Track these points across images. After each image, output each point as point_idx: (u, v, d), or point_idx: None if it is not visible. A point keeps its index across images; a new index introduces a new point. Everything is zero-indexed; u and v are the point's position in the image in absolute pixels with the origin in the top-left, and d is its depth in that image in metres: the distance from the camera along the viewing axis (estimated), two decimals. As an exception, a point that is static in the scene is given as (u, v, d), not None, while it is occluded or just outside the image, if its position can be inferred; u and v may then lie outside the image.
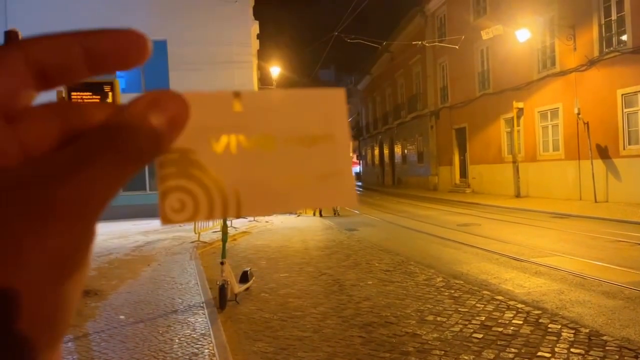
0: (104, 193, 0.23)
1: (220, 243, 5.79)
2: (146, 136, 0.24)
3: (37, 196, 0.21)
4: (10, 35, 3.95)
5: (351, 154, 0.27)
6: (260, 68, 25.12)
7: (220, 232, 5.94)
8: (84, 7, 17.09)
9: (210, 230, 11.40)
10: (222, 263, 5.21)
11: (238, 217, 0.28)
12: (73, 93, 6.82)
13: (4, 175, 0.21)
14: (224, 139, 0.27)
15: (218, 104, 0.27)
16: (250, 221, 14.11)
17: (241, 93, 0.28)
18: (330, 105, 0.30)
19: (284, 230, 12.48)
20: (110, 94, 6.87)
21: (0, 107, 0.23)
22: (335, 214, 16.16)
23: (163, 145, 0.25)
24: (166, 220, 0.27)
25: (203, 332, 4.51)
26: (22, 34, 4.12)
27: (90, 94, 6.89)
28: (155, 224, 14.39)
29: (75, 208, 0.22)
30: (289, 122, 0.29)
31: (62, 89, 6.86)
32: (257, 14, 19.40)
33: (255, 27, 19.67)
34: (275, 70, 24.39)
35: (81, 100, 0.25)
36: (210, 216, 0.27)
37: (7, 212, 0.21)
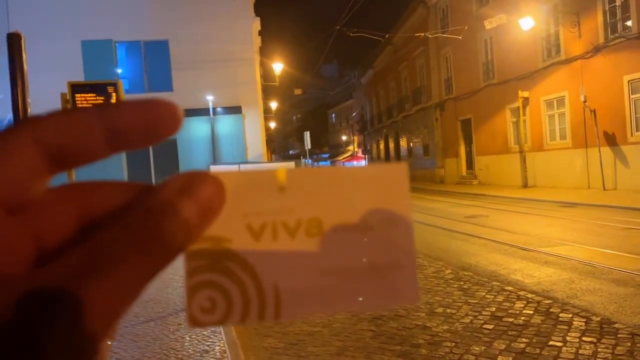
0: (127, 297, 0.20)
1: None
2: (176, 229, 0.21)
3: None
4: (14, 38, 3.95)
5: (414, 242, 0.25)
6: (262, 64, 25.09)
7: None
8: (84, 6, 17.11)
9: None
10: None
11: (277, 320, 0.24)
12: (77, 95, 6.84)
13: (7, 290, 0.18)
14: (264, 225, 0.24)
15: (259, 183, 0.24)
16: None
17: (287, 170, 0.25)
18: (390, 184, 0.26)
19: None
20: (114, 94, 6.89)
21: (8, 198, 0.20)
22: None
23: (194, 237, 0.22)
24: (194, 322, 0.23)
25: (213, 329, 4.53)
26: (24, 33, 4.13)
27: (94, 95, 6.91)
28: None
29: (97, 319, 0.19)
30: (341, 204, 0.25)
31: (66, 90, 6.88)
32: (258, 11, 19.39)
33: (256, 24, 19.63)
34: (278, 67, 24.36)
35: (96, 183, 0.22)
36: (244, 319, 0.24)
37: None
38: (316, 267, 0.24)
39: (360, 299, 0.25)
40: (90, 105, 0.22)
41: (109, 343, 0.22)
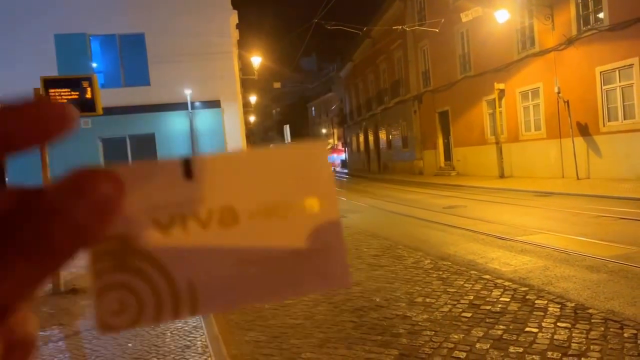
0: (16, 299, 0.19)
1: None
2: (66, 232, 0.19)
3: None
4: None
5: (341, 223, 0.24)
6: (241, 58, 24.89)
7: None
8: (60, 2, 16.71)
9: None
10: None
11: (194, 315, 0.23)
12: (51, 90, 6.70)
13: None
14: (172, 218, 0.23)
15: (164, 175, 0.23)
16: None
17: (191, 159, 0.23)
18: (310, 164, 0.24)
19: (271, 220, 12.48)
20: (88, 89, 6.77)
21: None
22: None
23: (92, 238, 0.20)
24: (105, 327, 0.22)
25: (195, 324, 4.52)
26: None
27: (69, 90, 6.78)
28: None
29: None
30: (256, 190, 0.23)
31: (40, 85, 6.74)
32: (235, 3, 19.18)
33: (234, 17, 19.44)
34: (257, 60, 24.21)
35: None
36: (158, 318, 0.23)
37: None
38: (233, 258, 0.23)
39: (284, 287, 0.24)
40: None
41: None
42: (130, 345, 4.10)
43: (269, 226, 0.24)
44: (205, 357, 3.81)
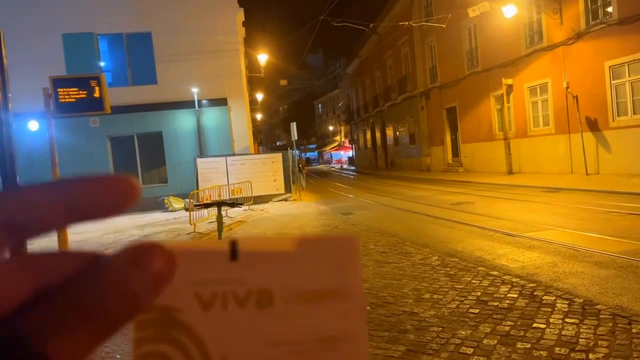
0: (79, 357, 0.21)
1: (217, 233, 5.81)
2: (124, 299, 0.21)
3: None
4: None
5: (365, 314, 0.26)
6: (247, 56, 24.93)
7: (216, 222, 5.96)
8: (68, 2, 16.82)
9: (206, 221, 11.43)
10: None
11: None
12: (59, 89, 6.76)
13: None
14: (214, 295, 0.24)
15: (210, 252, 0.24)
16: (245, 210, 14.14)
17: (238, 241, 0.24)
18: (341, 255, 0.25)
19: (279, 217, 12.52)
20: (97, 88, 6.82)
21: None
22: None
23: (143, 307, 0.22)
24: None
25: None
26: (4, 28, 4.07)
27: (77, 89, 6.84)
28: (150, 217, 14.40)
29: None
30: (291, 275, 0.25)
31: (48, 84, 6.81)
32: (242, 1, 19.21)
33: (240, 15, 19.47)
34: (263, 58, 24.22)
35: (53, 256, 0.23)
36: None
37: None
38: (267, 339, 0.24)
39: None
40: (56, 183, 0.22)
41: None
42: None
43: (300, 311, 0.25)
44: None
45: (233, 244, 0.24)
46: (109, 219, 0.24)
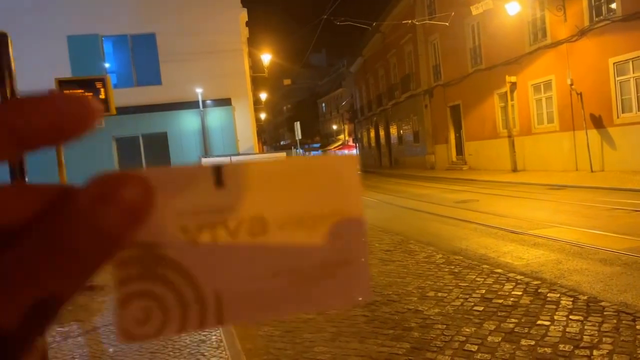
0: (48, 319, 0.19)
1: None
2: (95, 240, 0.19)
3: None
4: (0, 38, 3.91)
5: (366, 237, 0.25)
6: (250, 55, 24.97)
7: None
8: (69, 1, 16.91)
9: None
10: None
11: (219, 326, 0.24)
12: (65, 91, 6.82)
13: None
14: (201, 226, 0.22)
15: (194, 180, 0.22)
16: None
17: (223, 166, 0.23)
18: (338, 176, 0.24)
19: (283, 216, 12.55)
20: (102, 90, 6.87)
21: None
22: None
23: (119, 246, 0.20)
24: (127, 336, 0.22)
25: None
26: (9, 30, 4.09)
27: (83, 91, 6.89)
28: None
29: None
30: (287, 200, 0.23)
31: (54, 86, 6.86)
32: (245, 1, 19.25)
33: (243, 15, 19.51)
34: (266, 58, 24.27)
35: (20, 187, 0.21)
36: (182, 328, 0.22)
37: None
38: (262, 269, 0.23)
39: (310, 299, 0.24)
40: None
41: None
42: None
43: (297, 237, 0.23)
44: (219, 351, 3.88)
45: (217, 169, 0.22)
46: (63, 144, 0.21)
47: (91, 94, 6.90)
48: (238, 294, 0.23)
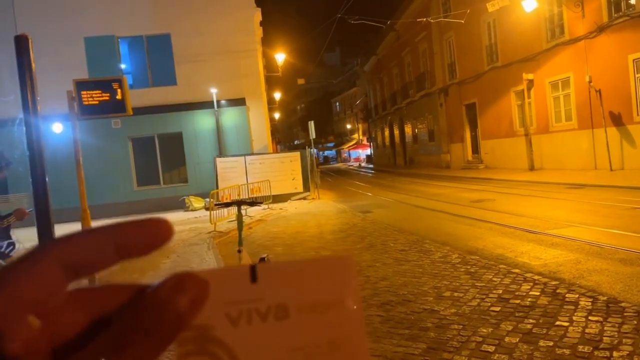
0: None
1: (236, 232, 5.87)
2: (172, 319, 0.26)
3: None
4: (21, 40, 4.00)
5: (363, 318, 0.31)
6: (265, 55, 25.05)
7: (236, 221, 6.02)
8: (85, 3, 17.12)
9: (226, 220, 11.54)
10: (239, 251, 5.31)
11: None
12: (83, 92, 6.91)
13: None
14: (240, 313, 0.29)
15: (235, 278, 0.29)
16: (264, 209, 14.23)
17: (257, 266, 0.29)
18: (339, 272, 0.31)
19: (298, 216, 12.58)
20: (119, 91, 6.95)
21: (36, 307, 0.25)
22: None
23: (185, 325, 0.26)
24: None
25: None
26: (29, 33, 4.18)
27: (100, 91, 6.98)
28: (171, 217, 14.59)
29: None
30: (301, 291, 0.30)
31: (72, 87, 6.96)
32: (259, 1, 19.31)
33: (257, 14, 19.58)
34: (280, 57, 24.32)
35: (106, 286, 0.29)
36: None
37: None
38: (285, 345, 0.29)
39: None
40: (105, 228, 0.28)
41: None
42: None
43: (311, 320, 0.29)
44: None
45: (252, 268, 0.29)
46: (149, 255, 0.28)
47: (108, 96, 6.98)
48: None
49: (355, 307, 0.30)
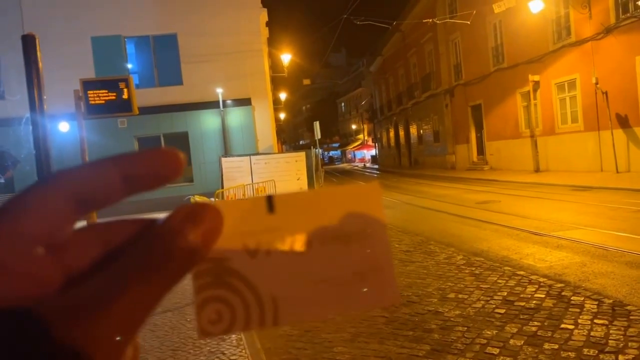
0: (142, 314, 0.24)
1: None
2: (183, 252, 0.24)
3: (70, 337, 0.22)
4: (28, 40, 4.02)
5: (390, 249, 0.30)
6: (270, 56, 25.08)
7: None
8: (92, 3, 17.21)
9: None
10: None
11: (276, 326, 0.28)
12: (89, 91, 6.94)
13: (37, 311, 0.22)
14: (258, 244, 0.28)
15: (251, 209, 0.28)
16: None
17: (274, 196, 0.28)
18: (365, 201, 0.29)
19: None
20: (125, 90, 6.97)
21: (46, 240, 0.24)
22: None
23: (199, 259, 0.25)
24: (204, 334, 0.27)
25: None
26: (36, 33, 4.21)
27: (106, 91, 7.00)
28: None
29: (111, 341, 0.23)
30: (323, 222, 0.29)
31: (79, 86, 6.99)
32: (265, 1, 19.35)
33: (263, 15, 19.61)
34: (286, 58, 24.34)
35: (116, 222, 0.28)
36: (247, 327, 0.27)
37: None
38: (307, 277, 0.28)
39: (349, 302, 0.28)
40: (110, 158, 0.26)
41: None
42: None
43: (334, 250, 0.28)
44: (239, 349, 3.91)
45: (269, 199, 0.28)
46: (159, 188, 0.27)
47: (114, 95, 7.01)
48: (290, 298, 0.27)
49: (381, 238, 0.29)
